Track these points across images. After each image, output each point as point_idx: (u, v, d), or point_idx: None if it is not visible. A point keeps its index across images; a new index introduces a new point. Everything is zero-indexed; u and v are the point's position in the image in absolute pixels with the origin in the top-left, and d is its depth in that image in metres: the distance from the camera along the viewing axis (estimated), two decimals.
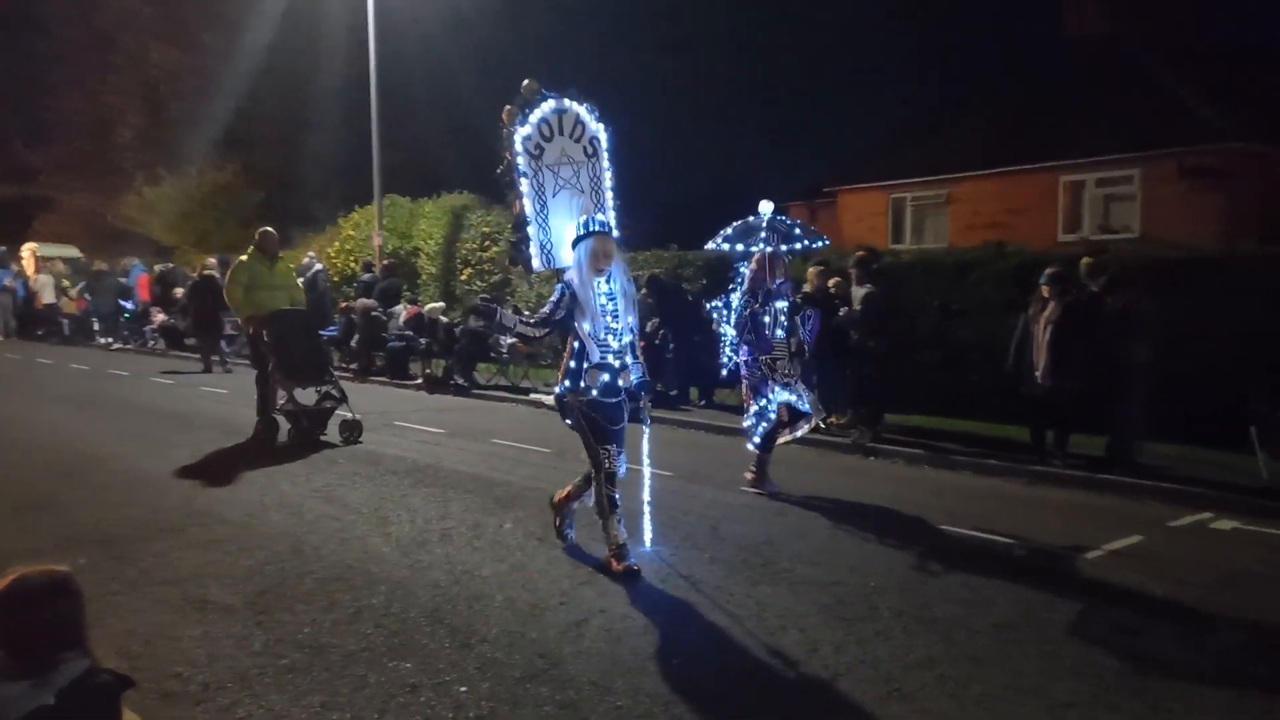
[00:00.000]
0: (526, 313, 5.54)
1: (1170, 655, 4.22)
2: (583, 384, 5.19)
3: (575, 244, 5.28)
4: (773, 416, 7.06)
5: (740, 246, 7.12)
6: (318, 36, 27.55)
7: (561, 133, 5.52)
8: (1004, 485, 7.94)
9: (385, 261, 17.72)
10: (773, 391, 7.04)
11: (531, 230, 5.47)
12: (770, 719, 3.60)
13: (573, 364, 5.25)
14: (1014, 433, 9.01)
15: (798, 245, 7.32)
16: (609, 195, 5.69)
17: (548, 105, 5.47)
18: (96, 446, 8.78)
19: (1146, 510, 7.07)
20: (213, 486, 7.17)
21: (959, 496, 7.43)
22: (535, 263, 5.54)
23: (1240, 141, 16.18)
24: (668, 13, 35.44)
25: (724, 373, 7.46)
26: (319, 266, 17.65)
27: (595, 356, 5.19)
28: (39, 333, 22.54)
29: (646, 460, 5.55)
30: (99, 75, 31.64)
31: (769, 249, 6.97)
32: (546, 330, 5.39)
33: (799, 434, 7.38)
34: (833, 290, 9.92)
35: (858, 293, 9.67)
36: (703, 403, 11.85)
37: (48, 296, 22.59)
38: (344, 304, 16.70)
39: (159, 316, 19.47)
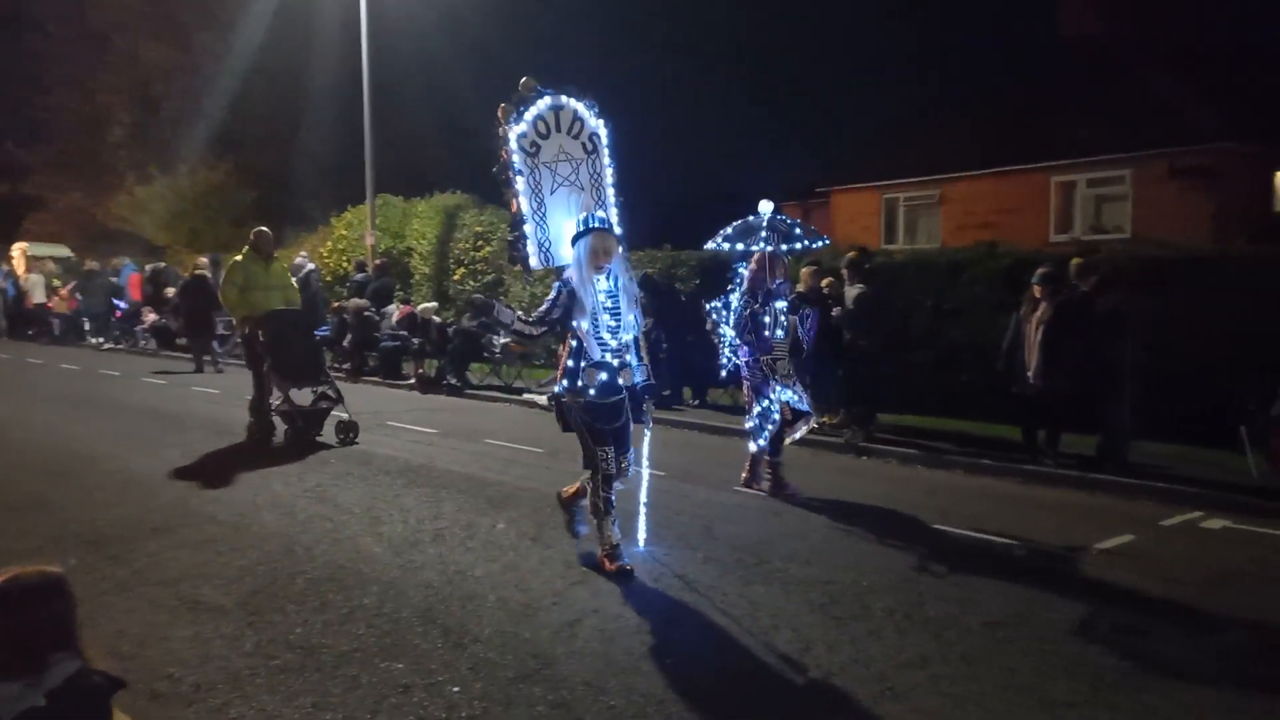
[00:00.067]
0: (520, 313, 5.47)
1: (1162, 653, 4.23)
2: (580, 383, 5.16)
3: (574, 241, 5.23)
4: (776, 417, 7.03)
5: (740, 246, 7.08)
6: (311, 35, 27.46)
7: (559, 129, 5.47)
8: (996, 485, 7.96)
9: (378, 261, 17.69)
10: (774, 392, 7.02)
11: (528, 228, 5.43)
12: (764, 718, 3.61)
13: (570, 363, 5.21)
14: (1006, 432, 9.03)
15: (798, 245, 7.27)
16: (610, 192, 5.63)
17: (543, 102, 5.42)
18: (88, 446, 8.75)
19: (1138, 509, 7.09)
20: (205, 487, 7.15)
21: (951, 496, 7.44)
22: (533, 261, 5.50)
23: (1231, 142, 16.25)
24: (662, 12, 35.45)
25: (723, 374, 7.44)
26: (311, 266, 17.60)
27: (595, 355, 5.15)
28: (29, 332, 22.44)
29: (645, 461, 5.53)
30: (91, 74, 31.50)
31: (769, 248, 6.94)
32: (543, 330, 5.33)
33: (798, 435, 7.36)
34: (826, 290, 9.94)
35: (850, 292, 9.68)
36: (696, 402, 11.86)
37: (38, 296, 22.50)
38: (336, 304, 16.67)
39: (150, 316, 19.40)
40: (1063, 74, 18.73)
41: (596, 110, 5.58)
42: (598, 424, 5.19)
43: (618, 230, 5.49)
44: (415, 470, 7.83)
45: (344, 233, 20.50)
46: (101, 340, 20.63)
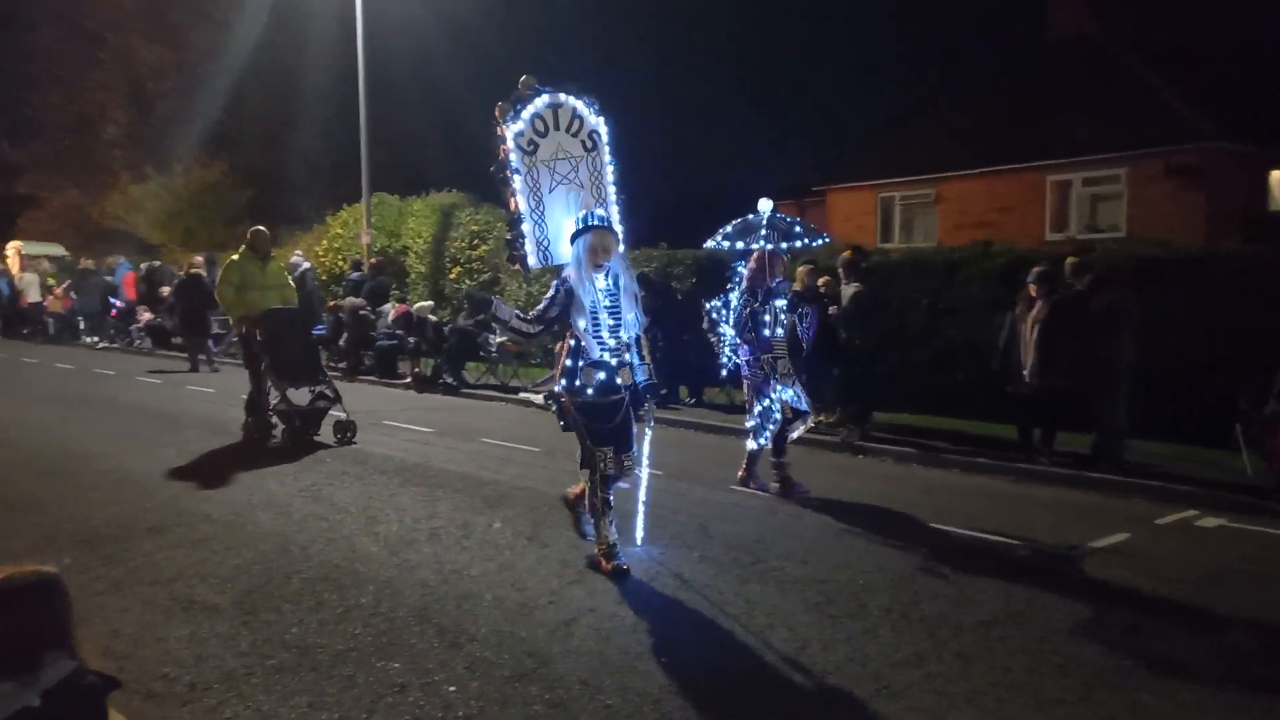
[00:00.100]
0: (519, 311, 5.44)
1: (1157, 652, 4.24)
2: (578, 383, 5.15)
3: (573, 239, 5.20)
4: (777, 417, 7.01)
5: (740, 244, 7.05)
6: (306, 34, 27.39)
7: (557, 128, 5.43)
8: (992, 483, 7.98)
9: (373, 260, 17.67)
10: (775, 391, 7.00)
11: (526, 227, 5.40)
12: (759, 717, 3.61)
13: (569, 362, 5.19)
14: (1002, 431, 9.05)
15: (798, 243, 7.23)
16: (611, 189, 5.59)
17: (541, 101, 5.37)
18: (83, 446, 8.73)
19: (1133, 508, 7.11)
20: (200, 486, 7.14)
21: (947, 495, 7.45)
22: (531, 260, 5.46)
23: (1226, 141, 16.30)
24: (657, 11, 35.45)
25: (724, 373, 7.43)
26: (307, 265, 17.59)
27: (593, 354, 5.12)
28: (24, 332, 22.39)
29: (645, 461, 5.51)
30: (85, 72, 31.40)
31: (769, 246, 6.91)
32: (540, 329, 5.30)
33: (796, 434, 7.35)
34: (822, 289, 9.94)
35: (846, 291, 9.69)
36: (692, 401, 11.85)
37: (33, 295, 22.44)
38: (332, 303, 16.65)
39: (145, 315, 19.36)
40: (1058, 73, 18.75)
41: (597, 108, 5.54)
42: (596, 424, 5.16)
43: (618, 228, 5.48)
44: (411, 469, 7.82)
45: (339, 231, 20.47)
46: (96, 339, 20.58)
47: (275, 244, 9.90)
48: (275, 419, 9.05)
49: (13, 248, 23.79)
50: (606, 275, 5.19)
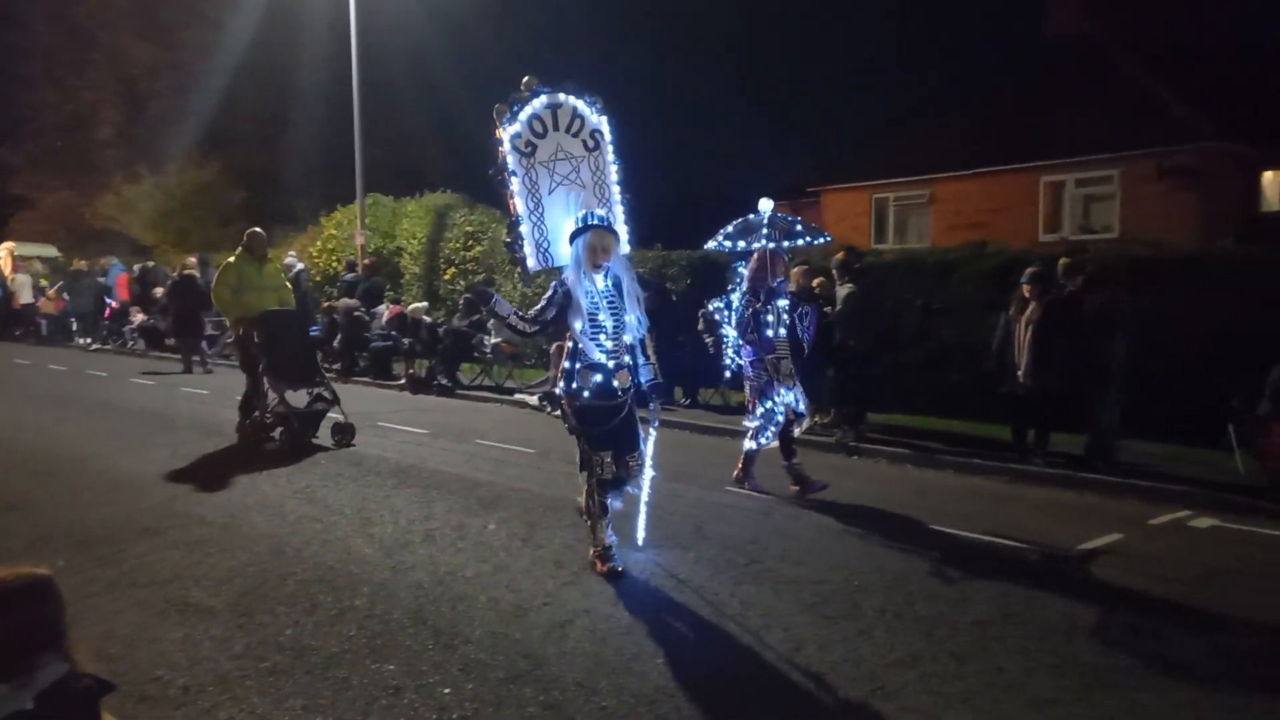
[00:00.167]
0: (518, 309, 5.41)
1: (1151, 652, 4.25)
2: (575, 385, 5.14)
3: (572, 239, 5.18)
4: (780, 419, 6.99)
5: (742, 244, 7.01)
6: (299, 33, 27.37)
7: (556, 128, 5.40)
8: (986, 484, 7.99)
9: (367, 261, 17.64)
10: (778, 394, 6.96)
11: (525, 229, 5.39)
12: (755, 718, 3.62)
13: (567, 364, 5.18)
14: (996, 432, 9.07)
15: (800, 241, 7.19)
16: (615, 189, 5.54)
17: (539, 102, 5.33)
18: (76, 447, 8.70)
19: (1126, 508, 7.13)
20: (194, 487, 7.12)
21: (941, 495, 7.47)
22: (530, 262, 5.44)
23: (1219, 141, 16.36)
24: (652, 11, 35.48)
25: (727, 375, 7.41)
26: (301, 266, 17.56)
27: (591, 356, 5.09)
28: (16, 333, 22.32)
29: (648, 462, 5.49)
30: (77, 72, 31.33)
31: (770, 245, 6.89)
32: (537, 329, 5.27)
33: (794, 434, 7.34)
34: (817, 290, 9.95)
35: (840, 292, 9.71)
36: (687, 402, 11.86)
37: (25, 296, 22.37)
38: (326, 304, 16.62)
39: (138, 316, 19.32)
40: (1052, 74, 18.82)
41: (598, 106, 5.49)
42: (593, 428, 5.14)
43: (622, 228, 5.45)
44: (406, 471, 7.81)
45: (333, 232, 20.43)
46: (89, 341, 20.53)
47: (270, 245, 9.85)
48: (273, 421, 9.00)
49: (5, 249, 23.71)
50: (606, 276, 5.15)
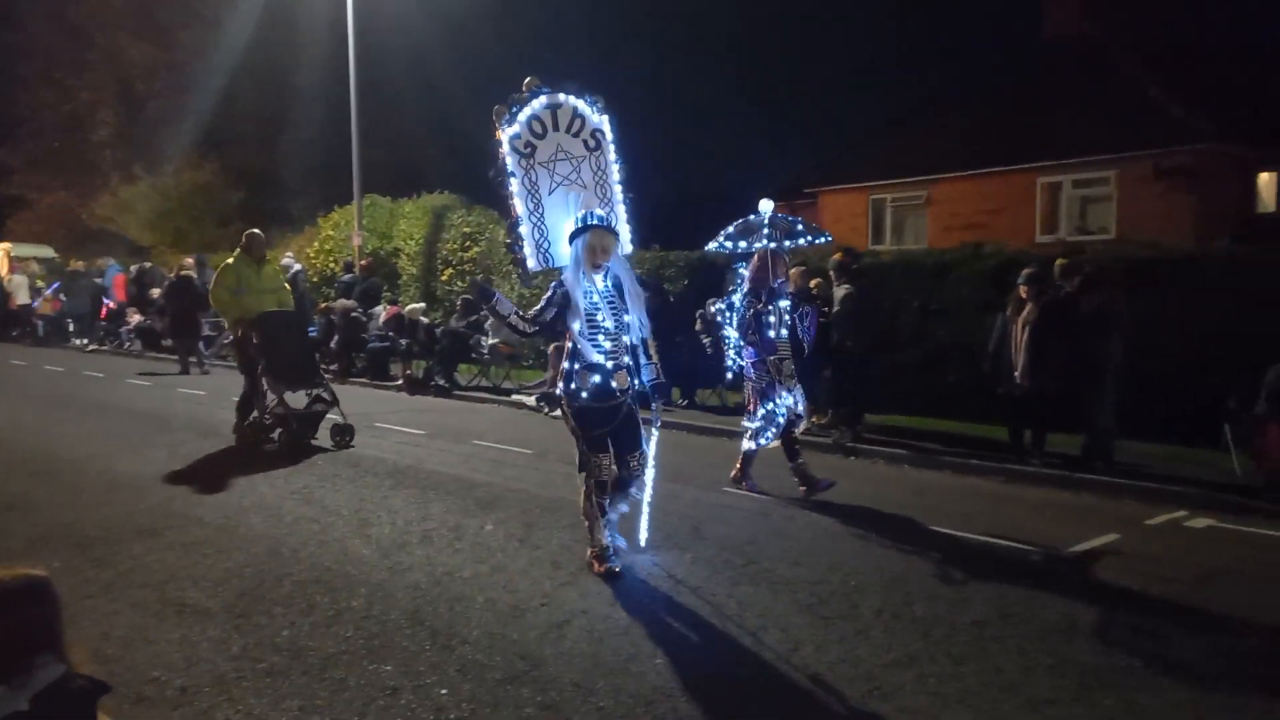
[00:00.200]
0: (518, 309, 5.39)
1: (1148, 652, 4.25)
2: (574, 386, 5.13)
3: (571, 240, 5.17)
4: (781, 421, 6.97)
5: (743, 244, 6.99)
6: (297, 33, 27.35)
7: (556, 128, 5.38)
8: (983, 484, 8.00)
9: (364, 262, 17.64)
10: (779, 396, 6.95)
11: (524, 230, 5.39)
12: (752, 718, 3.62)
13: (567, 365, 5.18)
14: (992, 432, 9.08)
15: (801, 241, 7.16)
16: (617, 189, 5.51)
17: (538, 102, 5.32)
18: (72, 448, 8.69)
19: (1123, 508, 7.14)
20: (190, 488, 7.11)
21: (939, 496, 7.47)
22: (531, 262, 5.44)
23: (1215, 143, 16.39)
24: (648, 11, 35.50)
25: (729, 376, 7.39)
26: (298, 267, 17.55)
27: (588, 358, 5.08)
28: (13, 334, 22.29)
29: (651, 463, 5.47)
30: (74, 72, 31.28)
31: (771, 244, 6.86)
32: (536, 329, 5.26)
33: (796, 435, 7.33)
34: (814, 291, 9.96)
35: (837, 293, 9.71)
36: (684, 403, 11.86)
37: (22, 297, 22.34)
38: (323, 305, 16.61)
39: (135, 317, 19.29)
40: (1049, 75, 18.84)
41: (599, 106, 5.46)
42: (591, 430, 5.14)
43: (625, 228, 5.44)
44: (403, 472, 7.81)
45: (331, 233, 20.43)
46: (86, 341, 20.50)
47: (267, 245, 9.83)
48: (272, 423, 8.98)
49: (1, 249, 23.70)
50: (606, 276, 5.14)
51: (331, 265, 19.67)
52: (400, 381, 13.90)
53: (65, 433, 9.60)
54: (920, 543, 5.99)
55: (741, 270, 7.11)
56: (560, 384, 5.23)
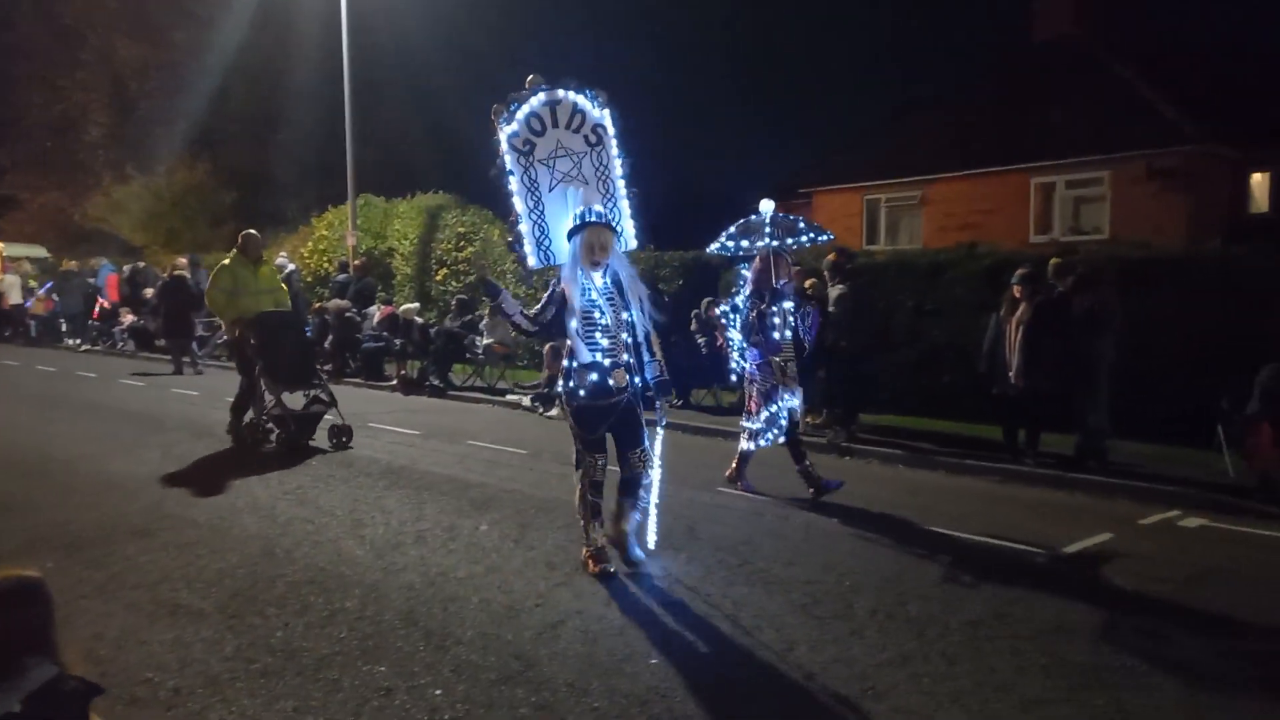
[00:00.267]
0: (523, 309, 5.37)
1: (1141, 651, 4.27)
2: (572, 384, 5.12)
3: (569, 237, 5.15)
4: (784, 423, 6.96)
5: (745, 244, 6.97)
6: (291, 33, 27.27)
7: (556, 125, 5.35)
8: (977, 484, 8.01)
9: (358, 261, 17.61)
10: (783, 399, 6.94)
11: (524, 227, 5.38)
12: (747, 718, 3.62)
13: (566, 363, 5.17)
14: (987, 432, 9.09)
15: (804, 239, 7.11)
16: (620, 184, 5.46)
17: (537, 99, 5.29)
18: (65, 448, 8.66)
19: (1117, 508, 7.16)
20: (183, 489, 7.09)
21: (933, 495, 7.49)
22: (531, 261, 5.43)
23: (1208, 144, 16.45)
24: (643, 11, 35.52)
25: (733, 378, 7.37)
26: (292, 267, 17.52)
27: (583, 357, 5.06)
28: (5, 334, 22.21)
29: (657, 463, 5.46)
30: (65, 72, 31.15)
31: (774, 244, 6.84)
32: (537, 329, 5.25)
33: (799, 437, 7.32)
34: (809, 291, 9.97)
35: (832, 293, 9.73)
36: (679, 403, 11.86)
37: (14, 297, 22.27)
38: (318, 305, 16.58)
39: (128, 317, 19.24)
40: (1043, 76, 18.89)
41: (600, 101, 5.40)
42: (589, 429, 5.12)
43: (629, 223, 5.42)
44: (397, 472, 7.80)
45: (325, 233, 20.40)
46: (79, 341, 20.43)
47: (261, 245, 9.78)
48: (270, 424, 8.95)
49: None
50: (605, 274, 5.11)
51: (326, 265, 19.64)
52: (395, 382, 13.88)
53: (58, 433, 9.57)
54: (915, 543, 6.00)
55: (744, 271, 7.10)
56: (560, 382, 5.22)
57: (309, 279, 19.42)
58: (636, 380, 5.23)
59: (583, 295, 5.06)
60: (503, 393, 12.86)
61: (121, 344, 19.26)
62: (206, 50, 28.79)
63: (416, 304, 15.92)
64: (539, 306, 5.18)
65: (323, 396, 9.11)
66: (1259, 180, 17.97)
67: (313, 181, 26.58)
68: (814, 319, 7.40)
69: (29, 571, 2.30)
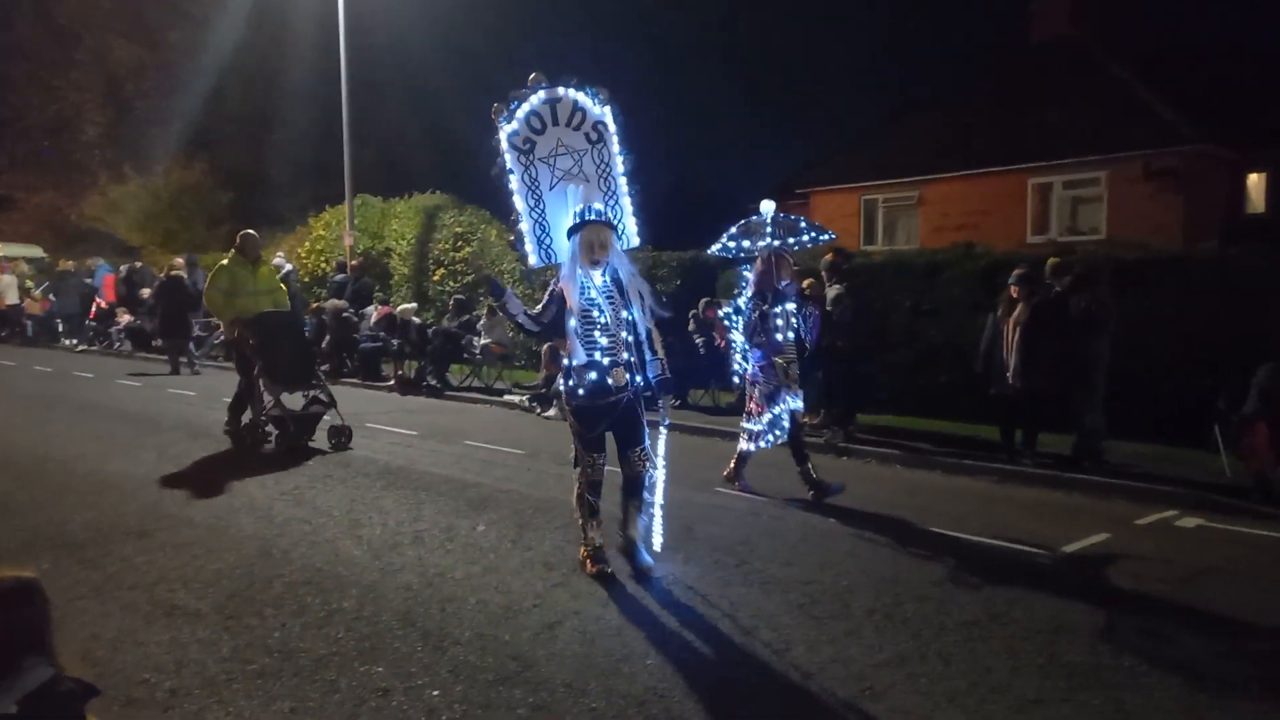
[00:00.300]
0: (526, 308, 5.37)
1: (1138, 651, 4.27)
2: (571, 383, 5.12)
3: (569, 235, 5.15)
4: (785, 424, 6.96)
5: (746, 244, 6.96)
6: (287, 33, 27.26)
7: (556, 123, 5.34)
8: (974, 484, 8.02)
9: (355, 261, 17.60)
10: (784, 401, 6.93)
11: (524, 226, 5.38)
12: (745, 719, 3.62)
13: (566, 362, 5.17)
14: (984, 432, 9.11)
15: (805, 238, 7.10)
16: (621, 181, 5.44)
17: (537, 98, 5.28)
18: (61, 448, 8.64)
19: (1113, 508, 7.17)
20: (180, 489, 7.07)
21: (930, 495, 7.49)
22: (532, 259, 5.43)
23: (1205, 144, 16.48)
24: (642, 12, 35.51)
25: (735, 380, 7.37)
26: (289, 267, 17.51)
27: (581, 356, 5.05)
28: (2, 334, 22.17)
29: (661, 463, 5.45)
30: (61, 72, 31.12)
31: (776, 243, 6.84)
32: (539, 328, 5.25)
33: (802, 438, 7.31)
34: (807, 291, 9.97)
35: (829, 294, 9.74)
36: (677, 403, 11.86)
37: (11, 297, 22.23)
38: (315, 305, 16.57)
39: (125, 317, 19.21)
40: (1040, 76, 18.92)
41: (601, 98, 5.38)
42: (588, 428, 5.12)
43: (632, 220, 5.42)
44: (394, 472, 7.79)
45: (322, 233, 20.39)
46: (75, 342, 20.41)
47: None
48: (269, 424, 8.94)
49: None
50: (604, 272, 5.10)
51: (323, 265, 19.63)
52: (392, 382, 13.87)
53: (54, 433, 9.55)
54: (912, 543, 6.00)
55: (745, 273, 7.10)
56: (560, 382, 5.22)
57: (306, 279, 19.42)
58: (637, 379, 5.22)
59: (582, 294, 5.05)
60: (500, 393, 12.85)
61: (118, 344, 19.23)
62: (202, 50, 28.78)
63: (414, 304, 15.91)
64: (541, 306, 5.18)
65: (322, 397, 9.08)
66: (1256, 181, 18.01)
67: (309, 181, 26.56)
68: (815, 320, 7.39)
69: (25, 572, 2.29)
